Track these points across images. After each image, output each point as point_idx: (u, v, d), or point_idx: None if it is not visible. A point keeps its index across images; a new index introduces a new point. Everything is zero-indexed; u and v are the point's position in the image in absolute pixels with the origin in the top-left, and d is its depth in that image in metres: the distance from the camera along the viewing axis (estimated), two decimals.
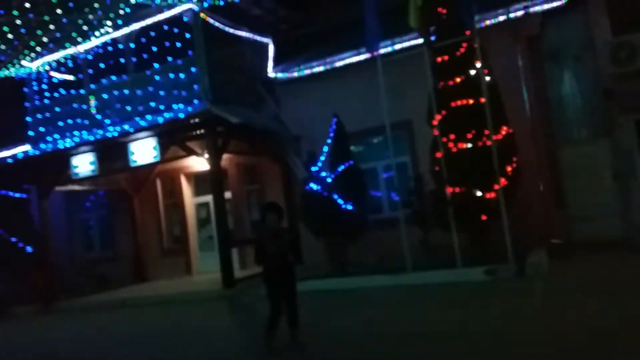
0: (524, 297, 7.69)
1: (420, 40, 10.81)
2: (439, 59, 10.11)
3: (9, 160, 13.93)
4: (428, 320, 7.08)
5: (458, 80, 9.84)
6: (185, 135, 12.21)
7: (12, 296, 14.15)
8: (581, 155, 11.99)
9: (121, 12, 11.78)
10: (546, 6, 11.47)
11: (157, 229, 16.73)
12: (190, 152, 12.37)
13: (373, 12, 10.32)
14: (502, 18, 11.66)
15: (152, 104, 12.55)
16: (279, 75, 14.31)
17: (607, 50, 10.96)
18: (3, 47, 12.65)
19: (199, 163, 15.84)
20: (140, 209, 16.76)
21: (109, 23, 11.96)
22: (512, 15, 11.63)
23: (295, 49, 14.63)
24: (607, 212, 11.39)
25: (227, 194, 15.85)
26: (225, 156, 15.03)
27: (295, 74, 14.04)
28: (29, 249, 15.63)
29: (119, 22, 12.26)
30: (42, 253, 14.18)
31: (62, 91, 14.06)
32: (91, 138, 13.02)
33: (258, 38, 14.61)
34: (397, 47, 12.10)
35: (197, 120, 11.80)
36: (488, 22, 11.54)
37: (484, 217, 9.62)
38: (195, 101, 12.02)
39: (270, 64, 14.72)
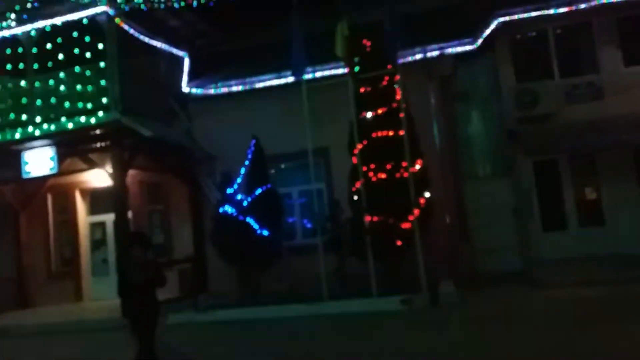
0: (442, 327, 7.75)
1: (344, 70, 10.91)
2: (362, 89, 10.21)
3: None
4: (343, 353, 6.83)
5: (380, 111, 9.97)
6: (88, 146, 11.15)
7: None
8: (485, 192, 12.68)
9: (28, 5, 10.59)
10: (459, 49, 12.15)
11: (44, 249, 14.97)
12: (93, 165, 11.30)
13: (299, 37, 10.22)
14: (418, 57, 12.13)
15: (53, 110, 11.30)
16: (194, 90, 13.70)
17: (512, 95, 11.77)
18: None
19: (96, 178, 14.56)
20: (27, 226, 14.92)
21: (12, 16, 10.67)
22: (427, 55, 12.15)
23: (212, 66, 14.10)
24: (507, 246, 12.07)
25: (127, 214, 14.71)
26: (129, 172, 14.02)
27: (212, 91, 13.53)
28: None
29: (24, 16, 10.99)
30: None
31: None
32: None
33: (174, 50, 13.90)
34: (320, 74, 12.03)
35: (102, 130, 10.82)
36: (405, 60, 11.91)
37: (399, 243, 9.70)
38: (101, 111, 11.02)
39: (185, 78, 14.05)
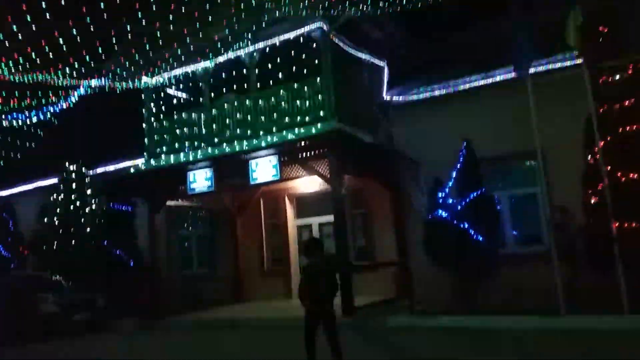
0: None
1: (570, 62, 9.81)
2: (602, 80, 9.01)
3: (132, 172, 13.78)
4: None
5: (627, 103, 8.68)
6: (307, 155, 11.60)
7: (114, 309, 13.83)
8: None
9: (248, 29, 11.50)
10: None
11: (258, 249, 16.19)
12: (311, 172, 11.73)
13: (521, 32, 9.42)
14: None
15: (275, 124, 12.08)
16: (395, 98, 13.59)
17: None
18: (125, 59, 12.67)
19: (302, 185, 15.30)
20: (242, 229, 16.30)
21: (233, 39, 11.68)
22: None
23: (412, 73, 13.91)
24: None
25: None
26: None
27: (414, 97, 13.28)
28: (132, 262, 15.43)
29: (245, 38, 11.95)
30: (151, 268, 13.85)
31: (181, 105, 13.95)
32: (210, 154, 12.67)
33: (375, 61, 14.03)
34: (543, 68, 11.01)
35: (320, 140, 11.18)
36: None
37: None
38: (319, 122, 11.44)
39: (385, 87, 14.05)
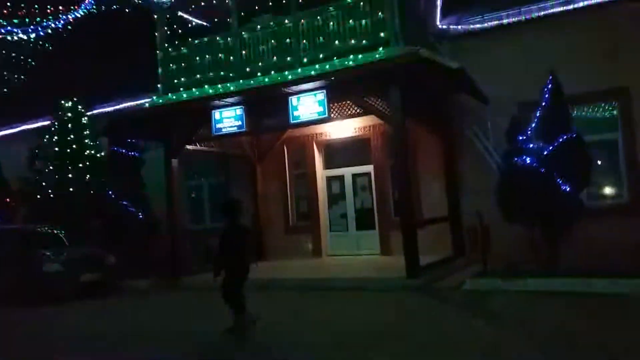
0: None
1: None
2: None
3: (146, 106, 11.44)
4: None
5: None
6: (364, 87, 9.51)
7: (127, 268, 11.82)
8: None
9: None
10: None
11: (281, 202, 14.21)
12: (368, 109, 9.69)
13: None
14: None
15: (322, 48, 9.88)
16: (453, 26, 11.47)
17: None
18: None
19: (333, 130, 13.27)
20: (263, 179, 14.27)
21: None
22: None
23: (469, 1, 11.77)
24: None
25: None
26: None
27: (476, 26, 11.19)
28: (140, 215, 13.38)
29: None
30: (170, 221, 11.78)
31: (203, 30, 11.56)
32: (242, 86, 10.46)
33: None
34: None
35: (386, 67, 9.04)
36: None
37: None
38: (381, 47, 9.29)
39: (439, 13, 11.85)
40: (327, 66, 9.64)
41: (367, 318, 7.29)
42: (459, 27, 11.41)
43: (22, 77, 13.10)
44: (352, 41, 9.66)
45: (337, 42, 9.80)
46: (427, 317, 7.19)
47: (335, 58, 9.68)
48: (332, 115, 9.97)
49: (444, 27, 11.62)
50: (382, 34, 9.34)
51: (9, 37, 10.75)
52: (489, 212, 9.41)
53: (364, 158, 13.16)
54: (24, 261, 10.28)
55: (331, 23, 9.86)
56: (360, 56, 9.38)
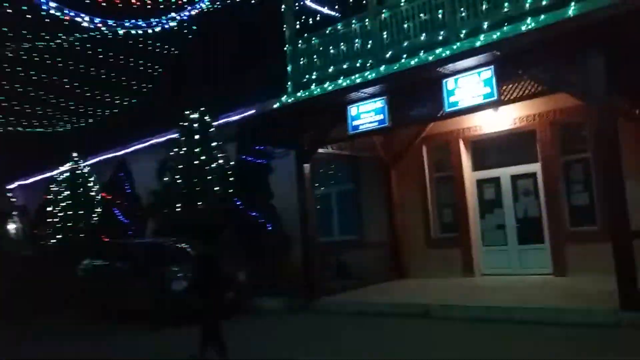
0: None
1: None
2: None
3: (275, 107, 10.09)
4: None
5: None
6: (547, 58, 7.17)
7: (258, 286, 10.45)
8: None
9: None
10: None
11: (422, 210, 12.08)
12: (556, 86, 7.30)
13: None
14: None
15: (485, 15, 7.71)
16: None
17: None
18: None
19: (486, 122, 10.92)
20: (399, 184, 12.28)
21: None
22: None
23: None
24: None
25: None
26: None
27: None
28: (269, 226, 12.08)
29: None
30: (302, 234, 10.26)
31: (335, 21, 9.95)
32: (383, 73, 8.62)
33: None
34: None
35: (583, 26, 6.64)
36: None
37: None
38: (572, 3, 6.89)
39: None
40: (495, 36, 7.42)
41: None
42: None
43: (151, 86, 12.56)
44: (527, 2, 7.35)
45: (506, 4, 7.54)
46: None
47: (505, 24, 7.43)
48: (503, 97, 7.69)
49: None
50: None
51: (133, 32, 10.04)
52: None
53: (528, 155, 10.62)
54: (150, 279, 9.31)
55: None
56: (542, 17, 7.04)
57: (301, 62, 9.99)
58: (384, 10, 8.91)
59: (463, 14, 8.00)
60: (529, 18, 7.19)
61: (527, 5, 7.35)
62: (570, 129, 10.06)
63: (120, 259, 10.71)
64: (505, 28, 7.43)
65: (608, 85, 6.73)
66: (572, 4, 6.82)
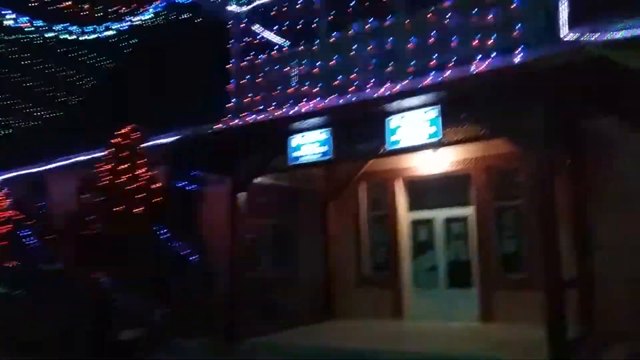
0: None
1: None
2: None
3: (211, 131, 9.43)
4: None
5: None
6: (495, 102, 7.15)
7: (171, 322, 9.47)
8: None
9: None
10: None
11: (355, 249, 11.74)
12: (497, 132, 7.27)
13: None
14: None
15: (438, 53, 7.64)
16: (586, 37, 9.06)
17: None
18: None
19: (423, 164, 10.88)
20: (336, 220, 11.90)
21: None
22: None
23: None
24: None
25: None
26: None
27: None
28: (193, 259, 11.22)
29: None
30: (231, 268, 9.49)
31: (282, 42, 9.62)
32: (329, 105, 8.31)
33: None
34: None
35: (528, 73, 6.69)
36: None
37: None
38: (523, 42, 6.95)
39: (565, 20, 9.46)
40: (441, 77, 7.35)
41: None
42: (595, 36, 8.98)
43: (79, 98, 11.56)
44: (477, 41, 7.36)
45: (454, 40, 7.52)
46: None
47: (453, 62, 7.39)
48: (445, 138, 7.57)
49: (573, 37, 9.21)
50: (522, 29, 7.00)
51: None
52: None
53: (462, 199, 10.64)
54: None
55: (445, 20, 7.62)
56: (490, 59, 7.06)
57: (242, 85, 9.48)
58: (332, 36, 8.65)
59: (412, 46, 7.84)
60: (477, 60, 7.18)
61: (476, 43, 7.35)
62: (504, 174, 10.18)
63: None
64: (453, 70, 7.39)
65: (547, 135, 6.78)
66: (520, 50, 6.89)
